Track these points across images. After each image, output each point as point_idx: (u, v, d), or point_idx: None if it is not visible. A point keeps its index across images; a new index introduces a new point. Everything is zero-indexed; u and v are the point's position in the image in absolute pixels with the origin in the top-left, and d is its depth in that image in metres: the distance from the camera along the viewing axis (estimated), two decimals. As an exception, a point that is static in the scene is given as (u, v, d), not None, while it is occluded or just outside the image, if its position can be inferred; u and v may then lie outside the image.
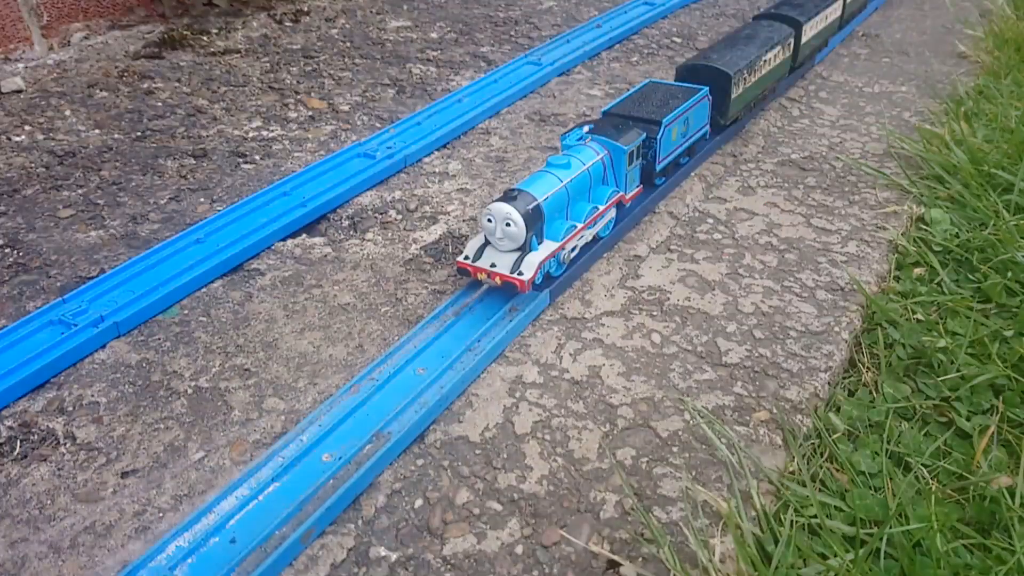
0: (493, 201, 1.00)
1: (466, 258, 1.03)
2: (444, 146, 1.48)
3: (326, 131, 1.54)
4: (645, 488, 0.81)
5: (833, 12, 1.76)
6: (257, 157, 1.45)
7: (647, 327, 1.03)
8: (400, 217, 1.27)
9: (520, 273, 0.99)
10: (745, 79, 1.40)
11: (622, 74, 1.80)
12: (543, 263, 1.01)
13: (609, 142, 1.13)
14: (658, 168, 1.23)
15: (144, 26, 2.06)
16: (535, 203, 1.00)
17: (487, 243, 1.03)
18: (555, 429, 0.88)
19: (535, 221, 1.00)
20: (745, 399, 0.92)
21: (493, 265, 1.01)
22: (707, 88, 1.31)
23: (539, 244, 1.03)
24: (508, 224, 0.99)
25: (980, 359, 1.00)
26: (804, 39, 1.62)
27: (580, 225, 1.07)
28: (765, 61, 1.46)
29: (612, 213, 1.15)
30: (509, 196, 1.00)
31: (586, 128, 1.16)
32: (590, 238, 1.12)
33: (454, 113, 1.56)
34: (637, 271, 1.14)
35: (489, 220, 1.00)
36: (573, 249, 1.08)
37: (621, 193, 1.15)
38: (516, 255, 1.01)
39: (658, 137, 1.19)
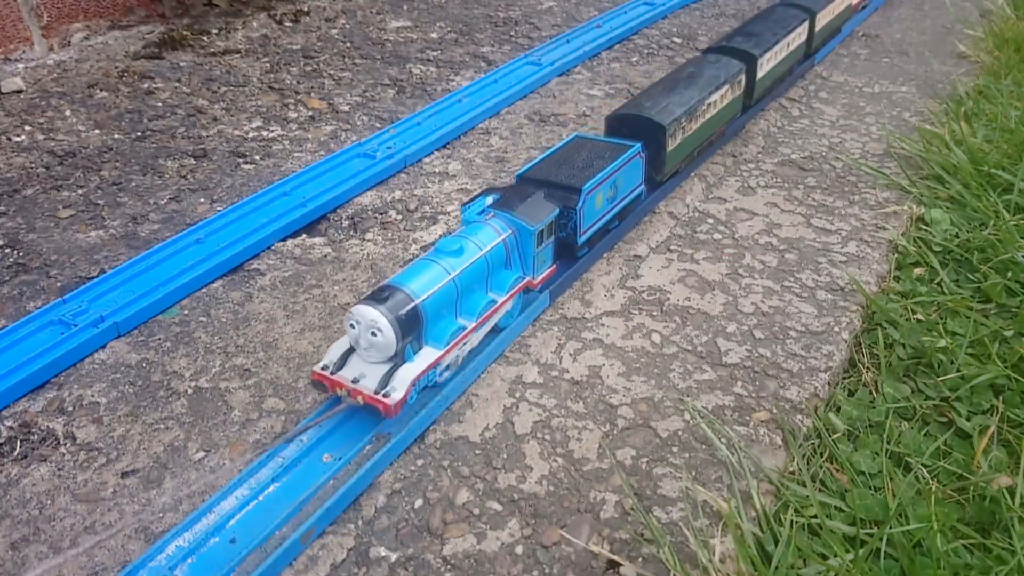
0: (359, 301, 0.83)
1: (324, 368, 0.84)
2: (444, 146, 1.48)
3: (326, 131, 1.54)
4: (645, 488, 0.81)
5: (797, 38, 1.61)
6: (257, 157, 1.45)
7: (647, 327, 1.03)
8: (400, 217, 1.27)
9: (387, 394, 0.81)
10: (684, 128, 1.23)
11: (622, 74, 1.80)
12: (420, 377, 0.83)
13: (514, 220, 0.96)
14: (580, 241, 1.06)
15: (144, 26, 2.06)
16: (410, 306, 0.82)
17: (353, 348, 0.84)
18: (555, 429, 0.88)
19: (410, 328, 0.82)
20: (745, 399, 0.92)
21: (356, 380, 0.82)
22: (639, 144, 1.13)
23: (417, 353, 0.85)
24: (374, 333, 0.80)
25: (980, 359, 1.00)
26: (760, 74, 1.45)
27: (472, 324, 0.89)
28: (709, 104, 1.28)
29: (511, 304, 0.97)
30: (379, 296, 0.82)
31: (490, 199, 1.00)
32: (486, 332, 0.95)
33: (454, 113, 1.56)
34: (637, 271, 1.14)
35: (353, 325, 0.82)
36: (460, 352, 0.90)
37: (528, 278, 0.97)
38: (386, 367, 0.83)
39: (578, 207, 1.03)
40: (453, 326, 0.87)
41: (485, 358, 0.95)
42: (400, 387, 0.81)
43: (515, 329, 1.00)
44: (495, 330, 0.96)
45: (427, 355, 0.85)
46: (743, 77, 1.40)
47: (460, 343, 0.88)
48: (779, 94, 1.67)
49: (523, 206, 0.97)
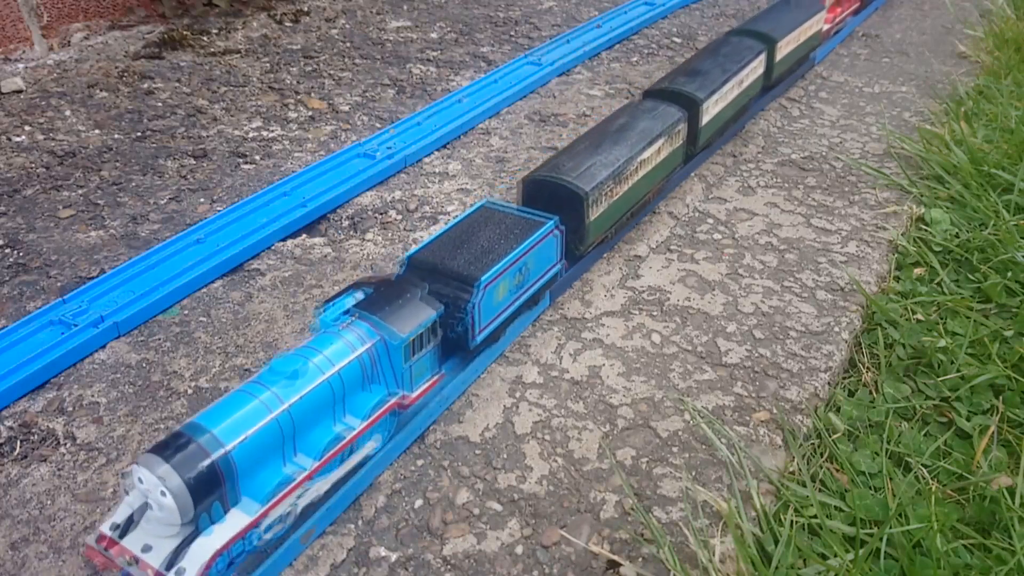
0: (146, 451, 0.65)
1: (115, 527, 0.65)
2: (444, 146, 1.48)
3: (326, 131, 1.54)
4: (645, 488, 0.81)
5: (752, 73, 1.43)
6: (257, 157, 1.45)
7: (647, 327, 1.03)
8: (400, 217, 1.27)
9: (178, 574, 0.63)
10: (610, 193, 1.07)
11: (622, 74, 1.80)
12: (226, 549, 0.65)
13: (381, 326, 0.78)
14: (475, 342, 0.88)
15: (144, 26, 2.06)
16: (207, 462, 0.64)
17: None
18: (555, 429, 0.88)
19: (206, 490, 0.64)
20: (745, 399, 0.92)
21: (145, 548, 0.64)
22: (554, 220, 0.96)
23: (223, 515, 0.66)
24: (163, 494, 0.63)
25: (980, 359, 1.00)
26: (705, 120, 1.28)
27: (312, 467, 0.71)
28: (642, 163, 1.12)
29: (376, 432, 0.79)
30: (172, 444, 0.65)
31: (359, 295, 0.83)
32: (345, 467, 0.76)
33: (454, 113, 1.56)
34: (637, 271, 1.14)
35: (141, 480, 0.64)
36: (296, 502, 0.71)
37: (399, 396, 0.80)
38: (178, 538, 0.65)
39: (473, 302, 0.85)
40: (279, 476, 0.68)
41: (485, 358, 0.95)
42: (191, 568, 0.63)
43: (515, 329, 1.00)
44: (366, 459, 0.78)
45: (235, 520, 0.66)
46: (684, 126, 1.21)
47: (293, 494, 0.69)
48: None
49: (393, 308, 0.80)
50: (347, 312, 0.80)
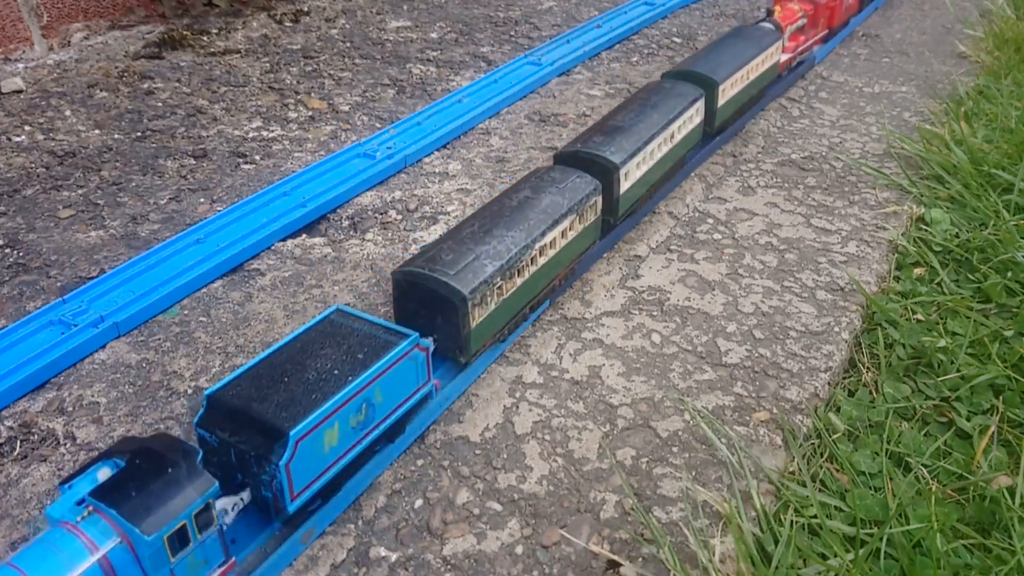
0: None
1: None
2: (444, 146, 1.48)
3: (326, 131, 1.54)
4: (645, 488, 0.81)
5: (687, 124, 1.23)
6: (257, 157, 1.45)
7: (647, 327, 1.03)
8: (400, 217, 1.27)
9: None
10: (499, 289, 0.90)
11: (622, 74, 1.80)
12: None
13: (121, 520, 0.57)
14: (293, 506, 0.69)
15: (144, 26, 2.06)
16: None
17: None
18: (555, 429, 0.88)
19: None
20: (745, 399, 0.92)
21: None
22: (414, 336, 0.79)
23: None
24: None
25: (980, 359, 1.00)
26: (624, 187, 1.10)
27: None
28: (543, 247, 0.95)
29: None
30: None
31: (106, 471, 0.61)
32: None
33: (454, 113, 1.56)
34: (637, 271, 1.14)
35: None
36: None
37: None
38: None
39: (279, 463, 0.66)
40: None
41: (485, 358, 0.95)
42: None
43: (515, 330, 1.00)
44: None
45: None
46: (598, 198, 1.05)
47: None
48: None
49: (144, 492, 0.58)
50: (81, 502, 0.58)
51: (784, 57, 1.59)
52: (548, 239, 0.96)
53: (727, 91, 1.34)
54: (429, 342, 0.82)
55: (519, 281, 0.93)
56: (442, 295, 0.84)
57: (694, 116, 1.26)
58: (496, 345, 0.95)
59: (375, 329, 0.79)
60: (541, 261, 0.96)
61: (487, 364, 0.96)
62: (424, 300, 0.86)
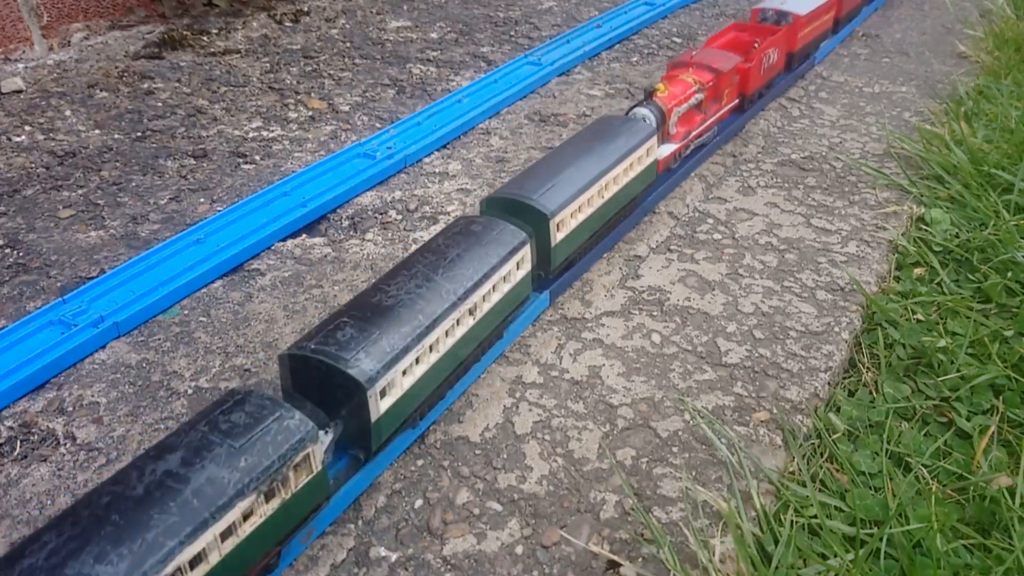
0: None
1: None
2: (444, 146, 1.48)
3: (326, 131, 1.54)
4: (645, 488, 0.81)
5: (503, 284, 0.91)
6: (257, 157, 1.45)
7: (647, 327, 1.03)
8: (400, 217, 1.27)
9: None
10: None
11: (622, 74, 1.80)
12: None
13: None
14: None
15: (144, 26, 2.06)
16: None
17: None
18: (555, 429, 0.88)
19: None
20: (745, 399, 0.92)
21: None
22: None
23: None
24: None
25: (980, 359, 1.00)
26: (383, 408, 0.76)
27: None
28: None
29: None
30: None
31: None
32: None
33: (454, 113, 1.56)
34: (637, 271, 1.14)
35: None
36: None
37: None
38: None
39: None
40: None
41: (485, 358, 0.95)
42: None
43: (515, 329, 1.00)
44: None
45: None
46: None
47: None
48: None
49: None
50: None
51: (669, 149, 1.27)
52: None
53: (570, 219, 1.01)
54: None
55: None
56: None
57: (513, 270, 0.93)
58: (493, 348, 0.95)
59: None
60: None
61: (487, 364, 0.96)
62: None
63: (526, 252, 0.94)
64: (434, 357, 0.81)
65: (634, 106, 1.24)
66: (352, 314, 0.78)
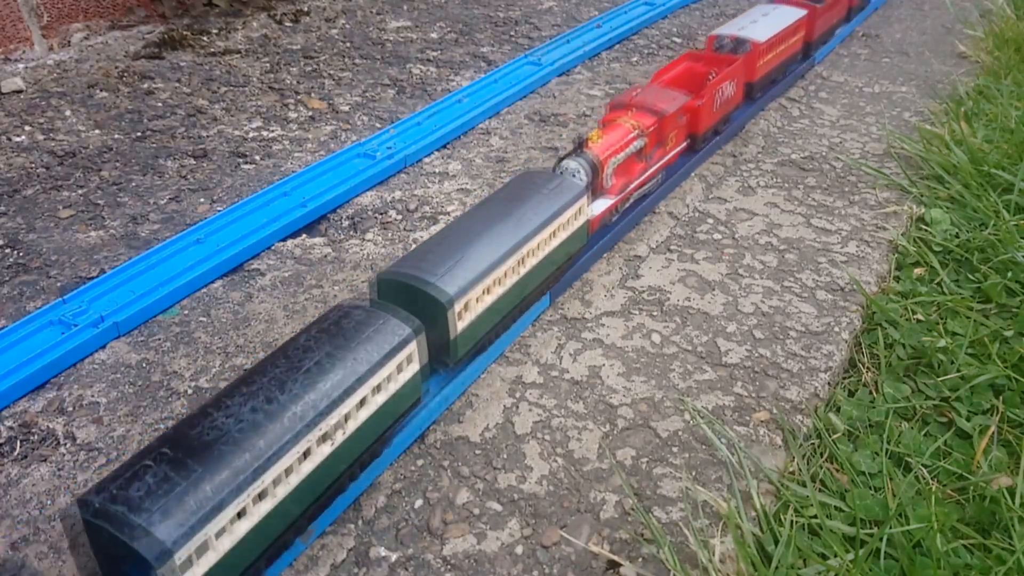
0: None
1: None
2: (444, 146, 1.48)
3: (326, 131, 1.54)
4: (645, 488, 0.81)
5: (373, 403, 0.76)
6: (257, 157, 1.45)
7: (647, 327, 1.03)
8: (400, 217, 1.27)
9: None
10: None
11: (622, 74, 1.80)
12: None
13: None
14: None
15: (144, 26, 2.06)
16: None
17: None
18: (555, 429, 0.88)
19: None
20: (745, 399, 0.92)
21: None
22: None
23: None
24: None
25: (980, 359, 1.00)
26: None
27: None
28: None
29: None
30: None
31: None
32: None
33: (454, 113, 1.56)
34: (637, 271, 1.14)
35: None
36: None
37: None
38: None
39: None
40: None
41: (485, 358, 0.95)
42: None
43: (515, 329, 1.00)
44: None
45: None
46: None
47: None
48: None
49: None
50: None
51: (604, 205, 1.12)
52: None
53: (478, 301, 0.87)
54: None
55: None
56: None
57: (393, 380, 0.78)
58: (495, 346, 0.95)
59: None
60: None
61: (487, 364, 0.96)
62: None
63: (413, 350, 0.78)
64: (265, 507, 0.65)
65: (563, 157, 1.11)
66: (163, 452, 0.63)
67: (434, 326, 0.83)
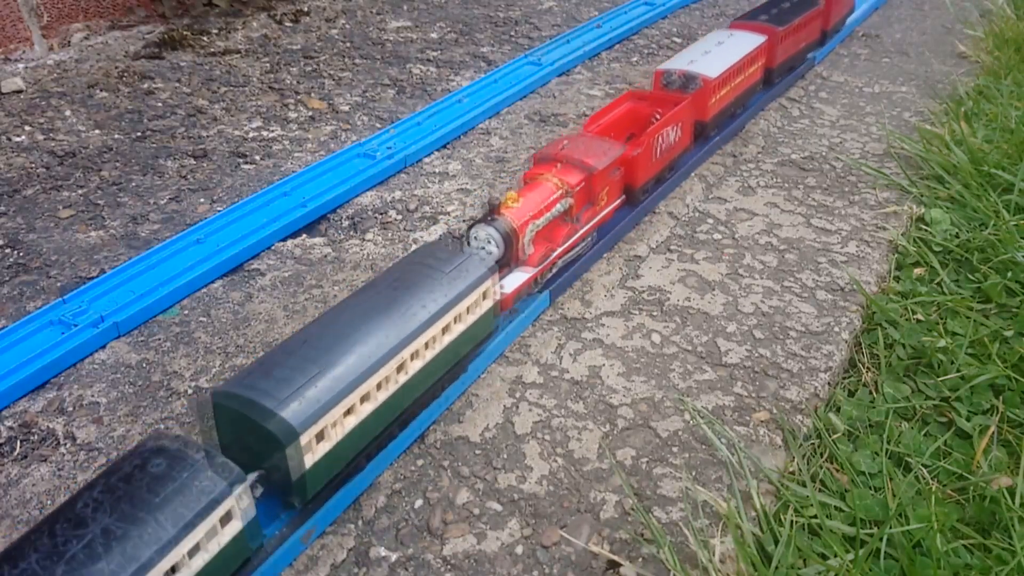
0: None
1: None
2: (444, 146, 1.48)
3: (326, 131, 1.54)
4: (645, 488, 0.81)
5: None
6: (257, 157, 1.45)
7: (647, 327, 1.03)
8: (400, 217, 1.27)
9: None
10: None
11: (622, 74, 1.80)
12: None
13: None
14: None
15: (144, 26, 2.06)
16: None
17: None
18: (555, 429, 0.88)
19: None
20: (745, 399, 0.92)
21: None
22: None
23: None
24: None
25: (980, 359, 1.00)
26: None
27: None
28: None
29: None
30: None
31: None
32: None
33: (454, 113, 1.56)
34: (637, 271, 1.14)
35: None
36: None
37: None
38: None
39: None
40: None
41: (485, 358, 0.95)
42: None
43: (515, 329, 1.00)
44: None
45: None
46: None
47: None
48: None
49: None
50: None
51: (522, 278, 0.98)
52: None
53: (332, 431, 0.71)
54: None
55: None
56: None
57: (213, 543, 0.62)
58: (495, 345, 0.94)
59: None
60: None
61: (487, 364, 0.96)
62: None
63: (232, 506, 0.62)
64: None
65: (472, 225, 0.97)
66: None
67: (277, 463, 0.67)
